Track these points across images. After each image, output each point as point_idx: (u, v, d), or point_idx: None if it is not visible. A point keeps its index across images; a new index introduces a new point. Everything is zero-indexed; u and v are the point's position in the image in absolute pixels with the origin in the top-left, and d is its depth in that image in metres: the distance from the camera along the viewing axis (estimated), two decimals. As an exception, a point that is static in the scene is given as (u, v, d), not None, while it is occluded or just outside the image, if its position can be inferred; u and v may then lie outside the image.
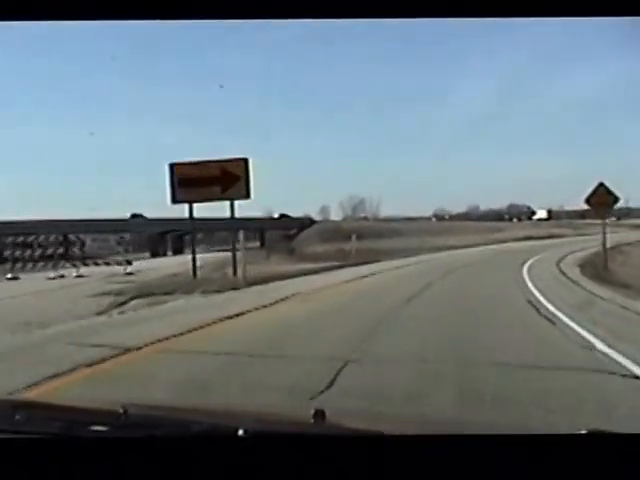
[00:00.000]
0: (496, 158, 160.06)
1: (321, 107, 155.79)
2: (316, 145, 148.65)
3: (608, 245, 22.66)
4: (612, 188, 20.87)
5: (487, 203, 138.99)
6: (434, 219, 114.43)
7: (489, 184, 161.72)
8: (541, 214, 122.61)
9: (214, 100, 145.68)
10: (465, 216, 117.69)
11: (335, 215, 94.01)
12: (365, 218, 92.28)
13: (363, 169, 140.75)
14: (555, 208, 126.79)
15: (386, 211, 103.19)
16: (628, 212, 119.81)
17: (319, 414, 1.85)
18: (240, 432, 1.61)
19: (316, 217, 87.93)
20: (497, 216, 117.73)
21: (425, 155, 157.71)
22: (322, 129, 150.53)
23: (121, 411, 1.84)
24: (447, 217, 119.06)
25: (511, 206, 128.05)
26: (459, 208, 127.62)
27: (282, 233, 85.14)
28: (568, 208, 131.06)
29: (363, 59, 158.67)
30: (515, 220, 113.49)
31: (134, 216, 75.68)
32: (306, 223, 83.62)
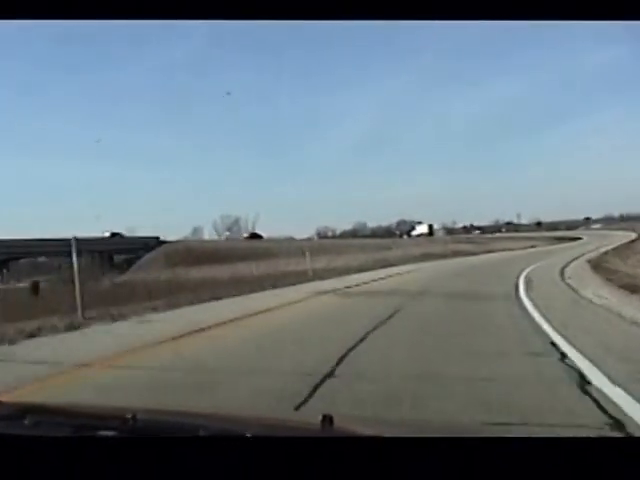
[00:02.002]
0: (385, 176, 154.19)
1: (198, 127, 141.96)
2: (188, 163, 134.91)
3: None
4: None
5: (376, 220, 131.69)
6: (316, 238, 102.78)
7: (377, 201, 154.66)
8: (421, 229, 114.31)
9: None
10: (352, 233, 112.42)
11: (209, 235, 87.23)
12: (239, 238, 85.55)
13: (239, 188, 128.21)
14: (449, 224, 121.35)
15: (267, 231, 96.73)
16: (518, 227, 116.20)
17: (327, 419, 1.76)
18: (248, 436, 1.63)
19: (190, 237, 79.78)
20: (386, 232, 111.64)
21: (310, 175, 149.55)
22: (200, 147, 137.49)
23: (129, 416, 1.75)
24: (330, 235, 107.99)
25: (401, 222, 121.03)
26: (345, 226, 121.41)
27: (124, 257, 70.20)
28: (462, 223, 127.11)
29: (248, 84, 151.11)
30: (405, 237, 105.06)
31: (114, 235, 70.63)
32: (151, 244, 68.02)
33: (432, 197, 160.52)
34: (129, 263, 64.08)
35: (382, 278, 20.53)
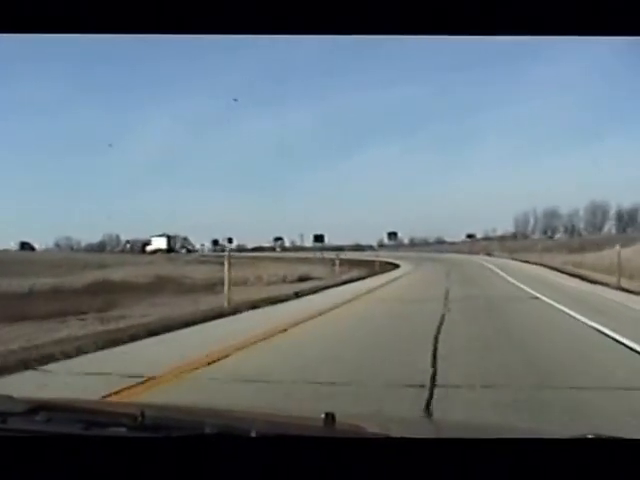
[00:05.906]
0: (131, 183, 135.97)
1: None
2: None
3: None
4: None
5: (135, 233, 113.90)
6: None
7: (128, 212, 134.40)
8: (159, 243, 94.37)
9: None
10: (100, 246, 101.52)
11: None
12: None
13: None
14: (220, 240, 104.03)
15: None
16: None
17: (329, 417, 1.84)
18: (252, 434, 1.66)
19: None
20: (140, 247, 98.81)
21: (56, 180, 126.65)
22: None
23: (138, 412, 1.80)
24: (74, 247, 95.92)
25: (164, 236, 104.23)
26: (94, 238, 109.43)
27: None
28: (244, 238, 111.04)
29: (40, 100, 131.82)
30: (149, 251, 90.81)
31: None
32: None
33: (208, 213, 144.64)
34: None
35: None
